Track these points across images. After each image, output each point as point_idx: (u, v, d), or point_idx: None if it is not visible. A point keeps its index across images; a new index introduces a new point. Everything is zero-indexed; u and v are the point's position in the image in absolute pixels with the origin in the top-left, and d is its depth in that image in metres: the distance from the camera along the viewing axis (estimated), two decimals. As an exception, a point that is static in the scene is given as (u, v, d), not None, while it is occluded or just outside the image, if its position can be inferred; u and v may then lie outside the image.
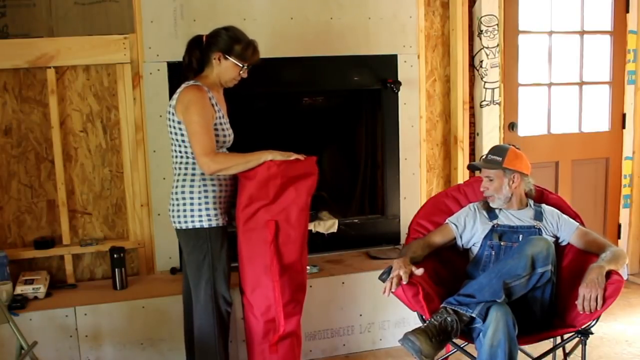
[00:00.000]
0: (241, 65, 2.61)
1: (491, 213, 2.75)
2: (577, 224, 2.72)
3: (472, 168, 2.91)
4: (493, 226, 2.70)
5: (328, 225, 3.65)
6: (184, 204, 2.58)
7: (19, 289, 3.05)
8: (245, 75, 2.67)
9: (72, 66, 3.22)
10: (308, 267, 3.33)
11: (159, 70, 3.29)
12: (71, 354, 2.98)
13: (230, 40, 2.59)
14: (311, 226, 3.58)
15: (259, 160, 2.56)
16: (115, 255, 3.18)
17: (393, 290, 2.42)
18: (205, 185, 2.58)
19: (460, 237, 2.76)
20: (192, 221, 2.58)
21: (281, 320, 2.64)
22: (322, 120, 3.86)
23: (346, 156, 4.05)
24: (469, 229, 2.75)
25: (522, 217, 2.72)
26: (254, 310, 2.69)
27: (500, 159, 2.69)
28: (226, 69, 2.62)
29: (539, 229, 2.67)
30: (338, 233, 3.66)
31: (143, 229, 3.37)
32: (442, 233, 2.79)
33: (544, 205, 2.78)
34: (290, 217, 2.63)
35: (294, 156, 2.60)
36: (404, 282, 2.41)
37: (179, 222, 2.61)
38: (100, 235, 3.39)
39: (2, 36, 3.09)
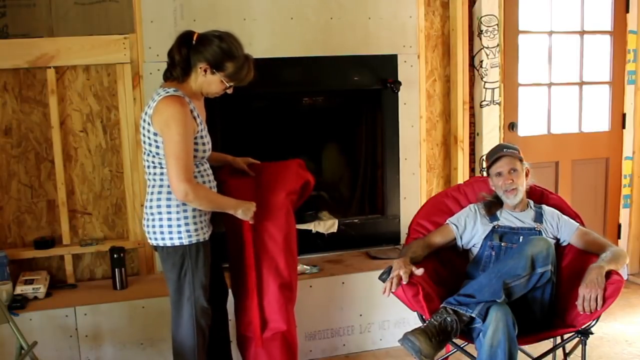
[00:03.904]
0: (227, 85, 2.41)
1: (492, 214, 2.75)
2: (577, 224, 2.72)
3: (497, 157, 2.72)
4: (494, 227, 2.70)
5: (328, 225, 3.65)
6: (160, 219, 2.40)
7: (19, 289, 3.05)
8: (230, 91, 2.45)
9: (72, 66, 3.22)
10: (308, 267, 3.34)
11: (159, 70, 3.26)
12: (71, 354, 2.98)
13: (221, 55, 2.34)
14: (311, 226, 3.59)
15: (229, 210, 2.47)
16: (115, 255, 3.18)
17: (393, 290, 2.42)
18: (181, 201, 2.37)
19: (461, 237, 2.76)
20: (171, 238, 2.39)
21: (256, 319, 2.61)
22: (322, 120, 3.86)
23: (346, 156, 4.06)
24: (469, 229, 2.75)
25: (523, 218, 2.72)
26: (241, 326, 2.69)
27: (517, 152, 2.72)
28: (210, 84, 2.40)
29: (540, 231, 2.67)
30: (338, 233, 3.66)
31: (143, 229, 3.35)
32: (442, 233, 2.79)
33: (544, 207, 2.78)
34: (271, 215, 2.61)
35: (252, 210, 2.50)
36: (404, 282, 2.41)
37: (155, 239, 2.44)
38: (100, 235, 3.39)
39: (2, 36, 3.09)
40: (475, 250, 2.73)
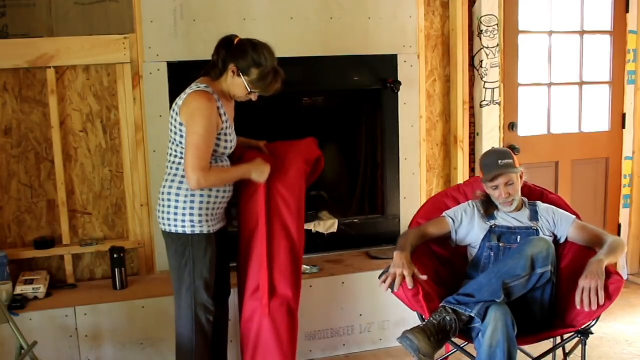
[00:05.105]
0: (249, 90, 2.52)
1: (489, 214, 2.73)
2: (574, 217, 2.70)
3: (493, 177, 2.67)
4: (491, 227, 2.70)
5: (328, 225, 3.65)
6: (169, 206, 2.51)
7: (19, 289, 3.06)
8: (254, 98, 2.57)
9: (72, 66, 3.22)
10: (308, 267, 3.35)
11: (159, 70, 3.29)
12: (71, 354, 2.98)
13: (250, 61, 2.47)
14: (311, 226, 3.59)
15: (244, 176, 2.56)
16: (115, 255, 3.19)
17: (395, 290, 2.41)
18: (193, 190, 2.48)
19: (456, 232, 2.74)
20: (176, 225, 2.50)
21: (264, 283, 2.61)
22: (322, 120, 3.86)
23: (346, 156, 4.06)
24: (465, 224, 2.74)
25: (520, 218, 2.71)
26: (247, 293, 2.68)
27: (512, 161, 2.67)
28: (235, 86, 2.52)
29: (537, 229, 2.66)
30: (338, 233, 3.66)
31: (143, 229, 3.37)
32: (437, 225, 2.77)
33: (538, 203, 2.76)
34: (287, 181, 2.65)
35: (268, 169, 2.59)
36: (410, 287, 2.39)
37: (163, 224, 2.55)
38: (100, 235, 3.39)
39: (2, 36, 3.09)
40: (474, 252, 2.73)
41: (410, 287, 2.39)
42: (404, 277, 2.41)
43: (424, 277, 2.45)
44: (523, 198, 2.78)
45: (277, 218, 2.65)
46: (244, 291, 2.71)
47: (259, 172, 2.58)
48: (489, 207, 2.74)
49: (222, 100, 2.51)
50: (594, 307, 2.29)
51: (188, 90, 2.48)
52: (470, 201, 2.83)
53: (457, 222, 2.75)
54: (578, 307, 2.32)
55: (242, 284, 2.72)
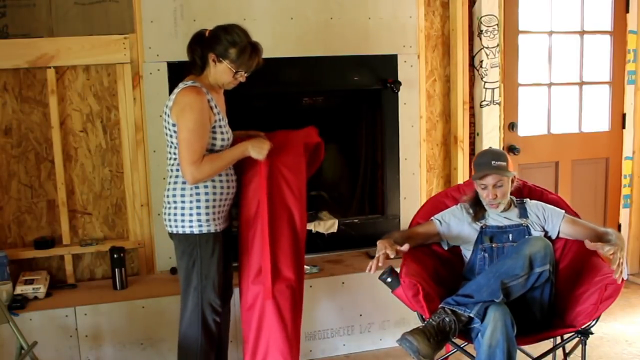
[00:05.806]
0: (234, 71, 2.50)
1: (479, 215, 2.72)
2: (563, 212, 2.70)
3: (481, 175, 2.68)
4: (482, 227, 2.69)
5: (328, 225, 3.65)
6: (175, 208, 2.51)
7: (19, 289, 3.06)
8: (242, 79, 2.56)
9: (72, 66, 3.22)
10: (308, 267, 3.34)
11: (159, 70, 3.29)
12: (71, 354, 2.99)
13: (225, 43, 2.47)
14: (311, 226, 3.59)
15: (243, 154, 2.54)
16: (115, 255, 3.19)
17: (381, 263, 2.43)
18: (197, 189, 2.48)
19: (445, 234, 2.74)
20: (183, 226, 2.50)
21: (267, 265, 2.59)
22: (322, 120, 3.85)
23: (346, 156, 4.06)
24: (453, 226, 2.74)
25: (509, 216, 2.70)
26: (249, 278, 2.64)
27: (505, 164, 2.65)
28: (221, 73, 2.51)
29: (527, 226, 2.66)
30: (338, 233, 3.66)
31: (143, 229, 3.37)
32: (424, 226, 2.79)
33: (527, 200, 2.76)
34: (289, 163, 2.64)
35: (267, 145, 2.56)
36: (391, 257, 2.43)
37: (170, 226, 2.55)
38: (100, 235, 3.39)
39: (2, 36, 3.09)
40: (468, 254, 2.73)
41: (391, 257, 2.43)
42: (387, 255, 2.43)
43: (406, 247, 2.48)
44: (511, 197, 2.77)
45: (280, 200, 2.63)
46: (245, 278, 2.67)
47: (258, 148, 2.54)
48: (478, 209, 2.73)
49: (211, 93, 2.51)
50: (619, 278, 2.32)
51: (176, 90, 2.48)
52: (459, 204, 2.83)
53: (445, 224, 2.75)
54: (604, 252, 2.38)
55: (244, 270, 2.67)
